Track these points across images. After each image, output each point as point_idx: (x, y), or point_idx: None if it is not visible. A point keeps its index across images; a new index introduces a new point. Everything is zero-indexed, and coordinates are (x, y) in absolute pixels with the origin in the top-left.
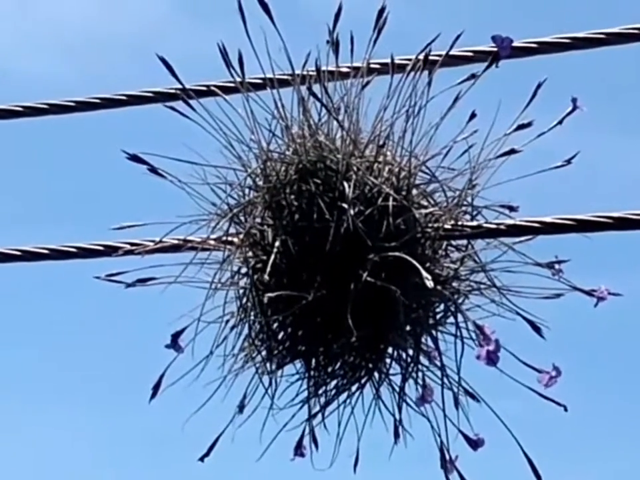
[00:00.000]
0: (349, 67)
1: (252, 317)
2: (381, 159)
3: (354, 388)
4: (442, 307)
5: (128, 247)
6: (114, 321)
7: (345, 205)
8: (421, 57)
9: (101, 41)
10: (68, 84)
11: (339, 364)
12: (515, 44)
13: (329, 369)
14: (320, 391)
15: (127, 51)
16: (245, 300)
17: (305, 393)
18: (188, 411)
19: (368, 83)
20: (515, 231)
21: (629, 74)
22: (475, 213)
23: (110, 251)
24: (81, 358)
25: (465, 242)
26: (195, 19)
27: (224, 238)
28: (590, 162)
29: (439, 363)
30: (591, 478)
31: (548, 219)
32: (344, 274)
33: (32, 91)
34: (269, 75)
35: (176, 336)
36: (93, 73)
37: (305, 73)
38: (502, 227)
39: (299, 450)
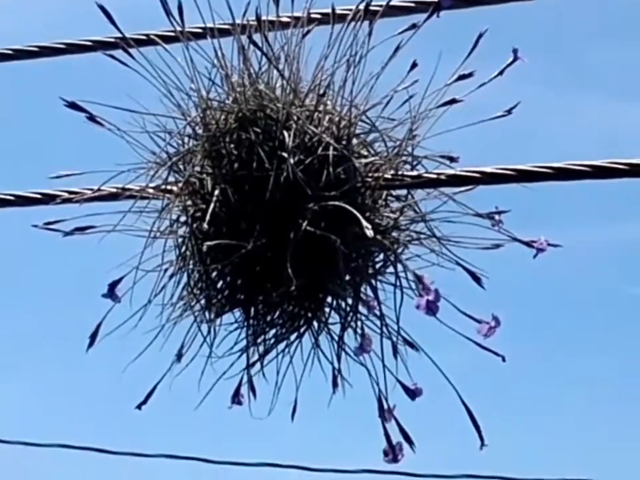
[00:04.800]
0: (289, 17)
1: (191, 266)
2: (321, 108)
3: (293, 337)
4: (381, 256)
5: (66, 195)
6: (51, 270)
7: (285, 154)
8: (362, 6)
9: None
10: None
11: (277, 313)
12: None
13: (268, 318)
14: (259, 340)
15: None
16: (183, 248)
17: (244, 342)
18: (126, 359)
19: (308, 32)
20: (455, 181)
21: (570, 25)
22: (415, 162)
23: (48, 199)
24: (18, 307)
25: (405, 192)
26: None
27: (163, 186)
28: (531, 113)
29: (378, 312)
30: (528, 428)
31: (488, 169)
32: (283, 223)
33: None
34: (209, 24)
35: (113, 285)
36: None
37: (245, 22)
38: (442, 177)
39: (236, 398)
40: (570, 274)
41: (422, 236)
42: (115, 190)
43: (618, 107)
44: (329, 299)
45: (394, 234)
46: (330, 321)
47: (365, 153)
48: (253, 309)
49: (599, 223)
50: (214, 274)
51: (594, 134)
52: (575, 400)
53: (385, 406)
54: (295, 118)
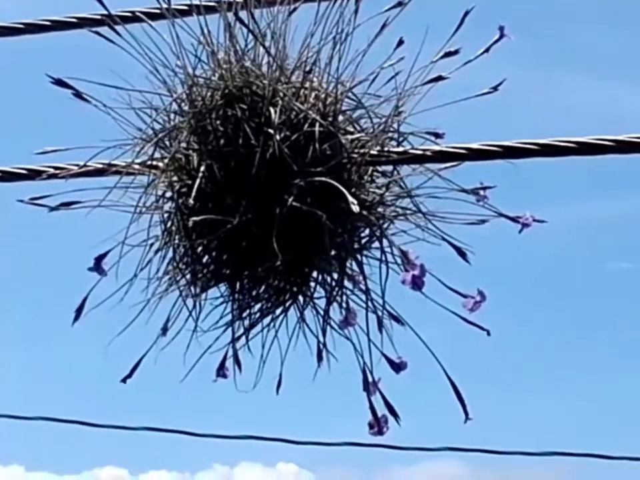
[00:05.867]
0: None
1: (176, 241)
2: (307, 85)
3: (278, 311)
4: (367, 231)
5: (52, 170)
6: (37, 245)
7: (271, 130)
8: None
9: None
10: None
11: (263, 287)
12: None
13: (254, 293)
14: (244, 314)
15: None
16: (169, 224)
17: (229, 316)
18: (111, 333)
19: (295, 9)
20: (441, 157)
21: (558, 6)
22: (400, 139)
23: (34, 174)
24: (3, 282)
25: (390, 168)
26: None
27: (149, 162)
28: (517, 91)
29: (363, 287)
30: (512, 402)
31: (474, 145)
32: (269, 198)
33: None
34: (195, 1)
35: (99, 259)
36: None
37: None
38: (428, 153)
39: (221, 371)
40: (554, 249)
41: (407, 211)
42: (100, 166)
43: (604, 86)
44: (315, 274)
45: (380, 209)
46: (315, 295)
47: (351, 130)
48: (238, 284)
49: (584, 199)
50: (199, 249)
51: (580, 112)
52: (558, 374)
53: (370, 379)
54: (281, 94)
